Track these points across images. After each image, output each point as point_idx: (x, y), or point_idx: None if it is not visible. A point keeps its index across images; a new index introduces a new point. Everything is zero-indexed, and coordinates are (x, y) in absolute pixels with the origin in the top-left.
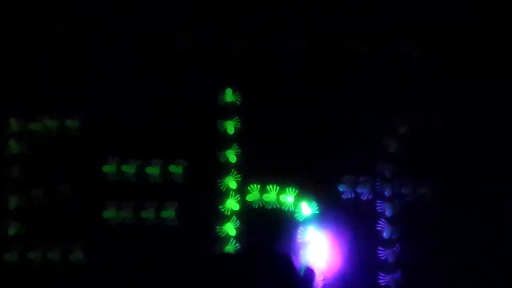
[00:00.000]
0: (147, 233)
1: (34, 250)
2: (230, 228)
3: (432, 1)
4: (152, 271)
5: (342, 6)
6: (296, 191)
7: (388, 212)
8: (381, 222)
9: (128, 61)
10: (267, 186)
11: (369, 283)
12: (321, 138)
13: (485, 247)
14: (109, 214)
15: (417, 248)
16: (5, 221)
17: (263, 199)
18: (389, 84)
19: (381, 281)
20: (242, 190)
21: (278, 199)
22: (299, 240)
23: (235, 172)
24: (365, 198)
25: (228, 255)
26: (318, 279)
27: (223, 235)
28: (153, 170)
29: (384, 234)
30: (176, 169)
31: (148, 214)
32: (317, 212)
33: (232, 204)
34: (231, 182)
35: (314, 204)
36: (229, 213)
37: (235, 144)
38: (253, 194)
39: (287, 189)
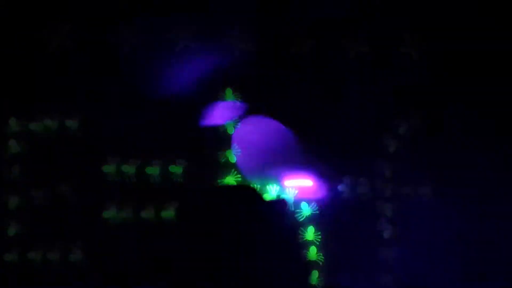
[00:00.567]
0: (147, 233)
1: (34, 250)
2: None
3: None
4: (152, 271)
5: (342, 6)
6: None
7: (388, 212)
8: (381, 222)
9: (128, 61)
10: (267, 186)
11: (369, 283)
12: (321, 138)
13: (485, 246)
14: (109, 214)
15: (417, 248)
16: (5, 221)
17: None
18: (389, 84)
19: (381, 280)
20: None
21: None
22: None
23: (235, 172)
24: (365, 198)
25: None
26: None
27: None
28: (153, 170)
29: (384, 234)
30: (176, 169)
31: (148, 214)
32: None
33: None
34: (231, 182)
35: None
36: None
37: (235, 144)
38: None
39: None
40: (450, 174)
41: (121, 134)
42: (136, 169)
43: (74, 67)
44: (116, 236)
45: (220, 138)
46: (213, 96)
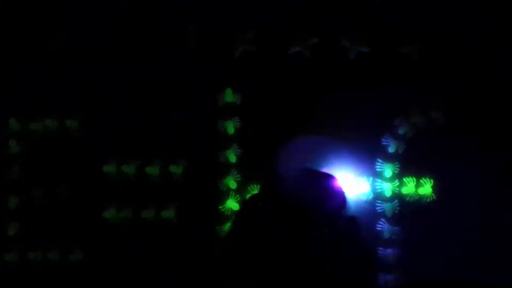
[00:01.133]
0: (147, 233)
1: (34, 250)
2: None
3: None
4: (152, 271)
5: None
6: None
7: (388, 212)
8: (381, 222)
9: (128, 62)
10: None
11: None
12: (321, 138)
13: (484, 246)
14: (109, 214)
15: (417, 248)
16: (5, 221)
17: None
18: (389, 84)
19: (381, 280)
20: (242, 190)
21: None
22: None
23: (235, 172)
24: (365, 198)
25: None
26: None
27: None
28: (153, 170)
29: (384, 234)
30: (176, 169)
31: (148, 214)
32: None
33: (232, 204)
34: (231, 182)
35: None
36: (229, 213)
37: (235, 144)
38: None
39: None
40: (450, 174)
41: (121, 134)
42: (136, 169)
43: (74, 67)
44: (116, 236)
45: (220, 138)
46: (213, 96)
